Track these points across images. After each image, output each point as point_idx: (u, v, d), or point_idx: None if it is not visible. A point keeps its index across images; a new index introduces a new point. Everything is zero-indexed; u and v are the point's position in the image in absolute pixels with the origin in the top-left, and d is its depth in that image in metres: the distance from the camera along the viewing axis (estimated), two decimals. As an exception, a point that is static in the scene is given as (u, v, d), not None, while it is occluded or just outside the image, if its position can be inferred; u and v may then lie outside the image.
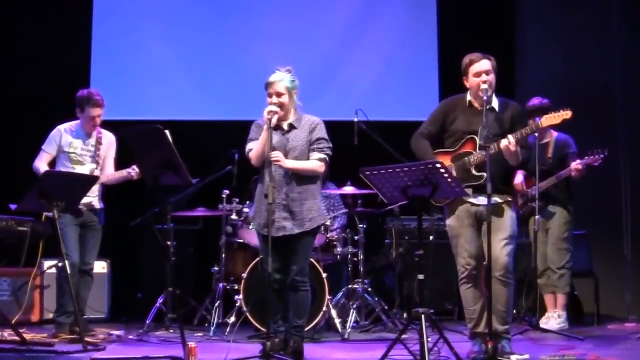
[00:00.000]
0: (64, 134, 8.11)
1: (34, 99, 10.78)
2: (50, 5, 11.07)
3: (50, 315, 8.77)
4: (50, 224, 7.29)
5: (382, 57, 11.01)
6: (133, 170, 7.99)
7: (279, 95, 6.61)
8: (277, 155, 6.46)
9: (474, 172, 6.44)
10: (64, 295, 7.88)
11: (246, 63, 10.76)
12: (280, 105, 6.59)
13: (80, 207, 7.89)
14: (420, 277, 6.06)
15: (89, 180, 7.70)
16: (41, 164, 8.06)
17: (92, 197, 8.06)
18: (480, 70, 6.46)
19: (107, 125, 8.41)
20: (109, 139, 8.30)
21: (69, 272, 7.28)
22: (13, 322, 7.61)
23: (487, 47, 6.73)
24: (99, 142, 8.18)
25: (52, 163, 8.15)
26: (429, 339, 5.95)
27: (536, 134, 7.69)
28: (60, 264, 7.67)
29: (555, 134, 8.62)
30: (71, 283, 7.32)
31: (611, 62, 9.90)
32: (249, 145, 6.72)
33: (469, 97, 6.61)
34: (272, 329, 6.56)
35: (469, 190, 6.39)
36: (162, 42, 11.10)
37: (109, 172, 8.16)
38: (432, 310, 6.05)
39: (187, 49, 11.08)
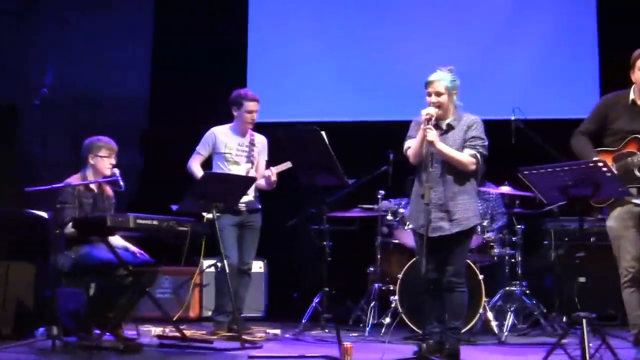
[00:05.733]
0: (218, 136, 8.26)
1: (192, 102, 11.01)
2: (207, 13, 11.29)
3: (209, 313, 8.93)
4: (209, 224, 7.42)
5: (539, 53, 10.76)
6: (270, 175, 8.11)
7: (438, 94, 6.53)
8: (432, 132, 6.39)
9: (637, 173, 6.22)
10: (222, 295, 8.01)
11: (400, 63, 10.70)
12: (439, 105, 6.52)
13: (240, 206, 8.04)
14: (581, 280, 5.93)
15: (247, 181, 7.83)
16: (194, 164, 8.26)
17: (252, 197, 8.19)
18: None
19: (262, 127, 8.53)
20: (261, 141, 8.42)
21: (227, 272, 7.40)
22: (174, 319, 7.78)
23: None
24: (252, 143, 8.30)
25: (209, 164, 8.32)
26: (591, 345, 5.81)
27: None
28: (219, 264, 7.81)
29: None
30: (229, 282, 7.44)
31: None
32: (407, 143, 6.67)
33: (632, 94, 6.39)
34: (427, 331, 6.52)
35: (633, 191, 6.19)
36: (317, 44, 11.17)
37: (260, 174, 8.27)
38: (594, 315, 5.90)
39: (341, 50, 11.11)
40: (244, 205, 8.13)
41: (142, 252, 7.44)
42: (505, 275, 8.70)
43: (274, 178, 8.15)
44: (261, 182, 8.25)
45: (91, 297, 7.47)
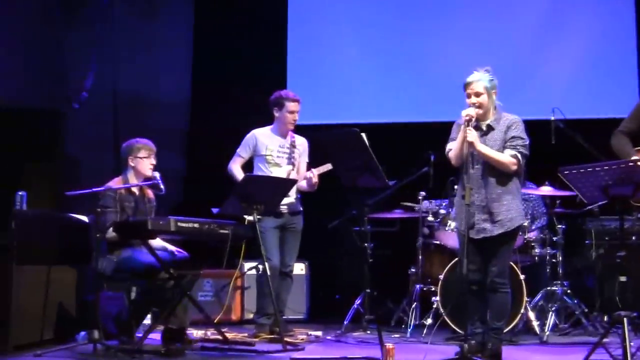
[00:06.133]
0: (259, 138, 8.31)
1: (232, 106, 11.07)
2: (247, 16, 11.37)
3: (251, 316, 8.97)
4: (251, 227, 7.46)
5: (579, 54, 10.68)
6: (311, 177, 8.14)
7: (477, 95, 6.52)
8: (472, 134, 6.39)
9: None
10: (264, 297, 8.05)
11: (441, 64, 10.69)
12: (479, 105, 6.51)
13: (281, 208, 8.08)
14: (622, 279, 5.90)
15: (288, 184, 7.85)
16: (235, 167, 8.31)
17: (293, 199, 8.22)
18: None
19: (303, 129, 8.56)
20: (302, 143, 8.45)
21: (268, 274, 7.43)
22: (215, 321, 7.82)
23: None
24: (293, 145, 8.33)
25: (250, 166, 8.36)
26: (632, 344, 5.79)
27: None
28: (260, 266, 7.84)
29: None
30: (271, 285, 7.47)
31: None
32: (449, 145, 6.67)
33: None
34: (469, 331, 6.51)
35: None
36: (357, 46, 11.18)
37: (301, 176, 8.31)
38: (635, 314, 5.88)
39: (381, 52, 11.11)
40: (285, 207, 8.16)
41: (180, 249, 7.50)
42: (547, 275, 8.66)
43: (315, 180, 8.18)
44: (302, 183, 8.29)
45: (133, 300, 7.54)
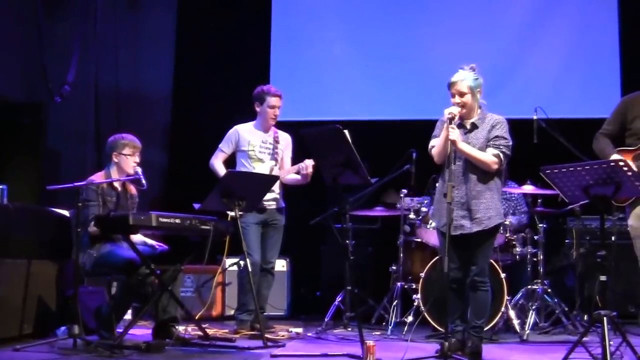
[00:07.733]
0: (241, 133, 8.29)
1: (215, 100, 11.06)
2: (230, 12, 11.35)
3: (231, 312, 8.97)
4: (233, 223, 7.44)
5: (562, 54, 10.74)
6: (304, 167, 8.10)
7: (461, 94, 6.54)
8: (454, 132, 6.39)
9: (657, 172, 6.20)
10: (245, 293, 8.04)
11: (425, 62, 10.72)
12: (463, 105, 6.52)
13: (264, 204, 8.06)
14: (603, 278, 5.90)
15: (270, 180, 7.84)
16: (217, 162, 8.29)
17: (276, 195, 8.21)
18: None
19: (286, 125, 8.54)
20: (285, 139, 8.44)
21: (250, 270, 7.42)
22: (196, 317, 7.80)
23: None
24: (276, 140, 8.33)
25: (232, 162, 8.34)
26: (611, 343, 5.80)
27: None
28: (241, 262, 7.83)
29: None
30: (252, 281, 7.46)
31: None
32: (432, 142, 6.69)
33: (651, 93, 6.38)
34: (449, 329, 6.52)
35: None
36: (342, 41, 11.18)
37: (285, 172, 8.30)
38: (614, 313, 5.89)
39: (366, 48, 11.12)
40: (268, 203, 8.15)
41: (160, 243, 7.49)
42: (527, 273, 8.68)
43: (310, 170, 8.08)
44: (295, 176, 8.24)
45: (113, 295, 7.52)
